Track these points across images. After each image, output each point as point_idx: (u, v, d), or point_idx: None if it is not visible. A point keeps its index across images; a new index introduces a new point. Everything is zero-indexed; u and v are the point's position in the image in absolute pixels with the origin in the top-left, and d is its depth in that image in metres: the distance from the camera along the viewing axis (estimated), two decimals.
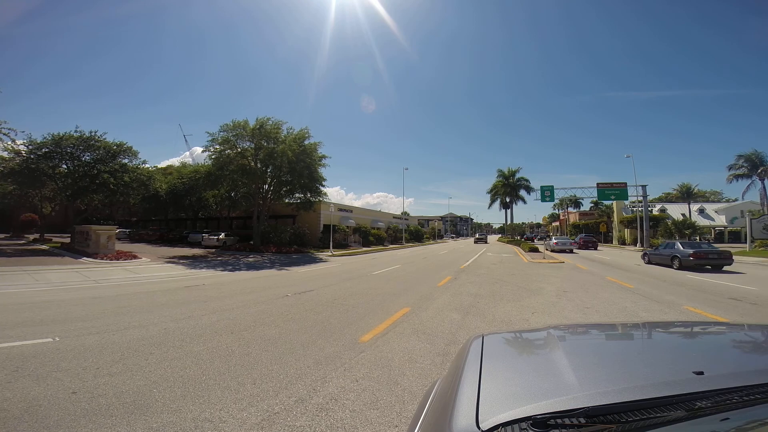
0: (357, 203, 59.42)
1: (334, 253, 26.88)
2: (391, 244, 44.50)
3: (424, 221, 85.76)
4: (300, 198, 28.89)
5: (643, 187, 40.04)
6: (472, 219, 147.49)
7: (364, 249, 33.16)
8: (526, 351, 1.56)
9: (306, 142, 27.21)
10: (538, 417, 0.78)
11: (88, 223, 23.44)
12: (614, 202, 56.92)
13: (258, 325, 6.44)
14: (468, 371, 1.10)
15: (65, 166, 25.08)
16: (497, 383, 1.04)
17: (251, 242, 29.01)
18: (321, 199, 29.90)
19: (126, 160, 26.96)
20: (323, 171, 28.88)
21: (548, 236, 63.80)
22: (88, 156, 25.23)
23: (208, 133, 25.12)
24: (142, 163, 28.24)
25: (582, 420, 0.77)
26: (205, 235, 32.36)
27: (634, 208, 55.73)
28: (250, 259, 21.75)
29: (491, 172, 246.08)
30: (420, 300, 8.76)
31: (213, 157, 25.64)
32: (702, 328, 1.96)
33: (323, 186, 28.98)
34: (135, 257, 20.11)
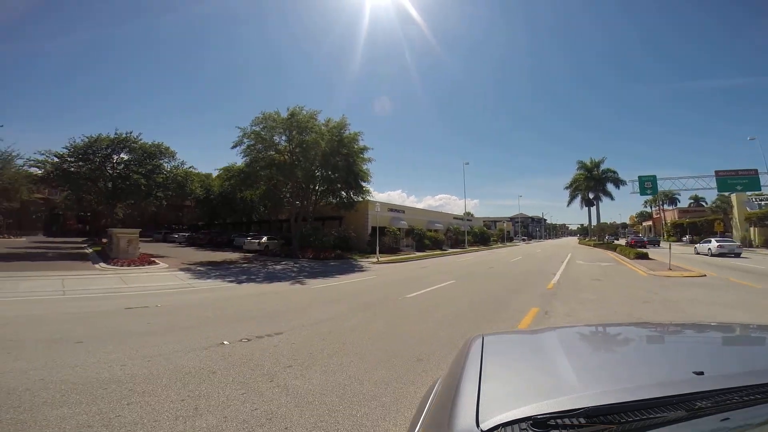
0: (419, 206, 54.60)
1: (380, 259, 22.61)
2: (452, 248, 39.08)
3: (491, 222, 77.79)
4: (342, 197, 25.28)
5: None
6: (545, 219, 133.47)
7: (418, 254, 28.38)
8: (526, 351, 1.44)
9: (345, 133, 23.46)
10: (538, 417, 0.77)
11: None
12: (733, 196, 45.00)
13: None
14: (468, 371, 1.08)
15: (108, 170, 24.29)
16: (497, 383, 1.03)
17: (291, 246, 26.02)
18: (365, 197, 25.95)
19: (165, 162, 25.71)
20: (369, 167, 25.05)
21: (648, 238, 52.69)
22: (124, 157, 24.24)
23: (239, 128, 22.49)
24: (181, 164, 26.84)
25: (582, 420, 0.76)
26: (248, 239, 30.23)
27: (763, 202, 43.74)
28: (278, 267, 18.40)
29: (565, 169, 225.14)
30: None
31: (244, 153, 22.91)
32: (702, 328, 1.85)
33: (366, 182, 25.02)
34: (152, 263, 18.00)
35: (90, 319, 6.86)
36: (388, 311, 7.62)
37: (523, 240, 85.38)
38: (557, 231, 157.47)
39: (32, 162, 23.01)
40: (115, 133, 23.62)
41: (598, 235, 56.40)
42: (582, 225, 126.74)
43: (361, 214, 28.77)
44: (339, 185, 24.48)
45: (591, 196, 54.42)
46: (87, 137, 22.66)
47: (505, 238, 69.27)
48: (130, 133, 23.75)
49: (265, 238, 29.37)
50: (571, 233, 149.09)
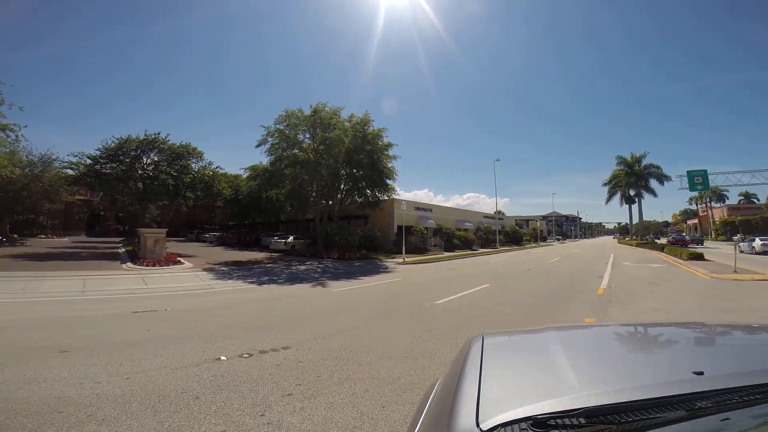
0: (447, 205, 52.52)
1: (407, 259, 21.64)
2: (482, 247, 37.46)
3: (522, 221, 74.54)
4: (367, 195, 24.53)
5: None
6: (580, 218, 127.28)
7: (446, 254, 27.16)
8: (526, 351, 1.46)
9: (368, 129, 22.67)
10: (538, 417, 0.77)
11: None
12: None
13: None
14: (468, 371, 1.08)
15: (138, 171, 24.75)
16: (497, 383, 1.02)
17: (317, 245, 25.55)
18: (390, 195, 25.05)
19: (193, 163, 25.94)
20: (395, 165, 24.21)
21: (691, 237, 48.54)
22: (154, 158, 24.60)
23: (262, 126, 22.19)
24: (208, 165, 27.01)
25: (582, 420, 0.76)
26: (275, 238, 30.09)
27: None
28: (302, 267, 17.84)
29: (600, 166, 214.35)
30: None
31: (268, 152, 22.59)
32: (702, 328, 1.84)
33: (391, 180, 24.12)
34: (178, 262, 17.95)
35: (90, 323, 6.36)
36: (414, 322, 6.64)
37: (557, 239, 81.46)
38: (593, 230, 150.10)
39: (66, 163, 23.71)
40: (144, 135, 24.03)
41: (641, 234, 52.72)
42: (619, 224, 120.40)
43: (387, 212, 27.89)
44: (364, 183, 23.73)
45: (632, 193, 51.00)
46: (117, 138, 23.12)
47: (539, 237, 66.24)
48: (158, 134, 24.06)
49: (291, 238, 29.09)
50: (608, 232, 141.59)
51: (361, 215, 28.78)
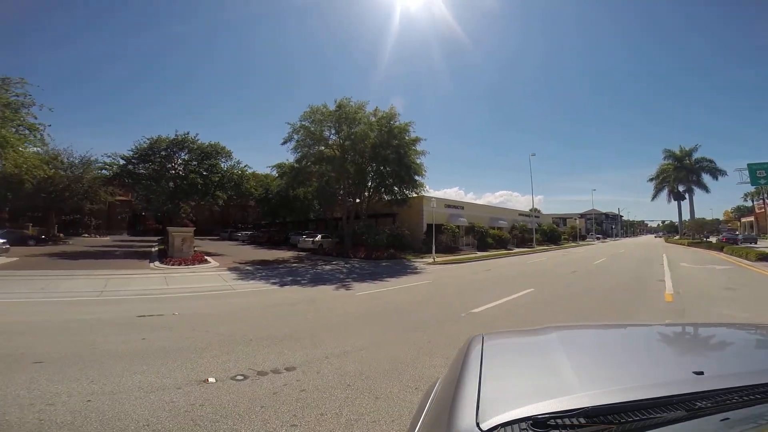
0: (479, 203, 49.88)
1: (437, 259, 20.48)
2: (517, 247, 35.50)
3: (558, 219, 70.77)
4: (395, 192, 23.58)
5: None
6: (621, 216, 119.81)
7: (480, 254, 25.67)
8: (526, 351, 1.44)
9: (394, 124, 21.68)
10: (538, 417, 0.76)
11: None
12: None
13: None
14: (468, 371, 1.07)
15: (170, 171, 25.10)
16: (497, 383, 1.02)
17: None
18: (419, 192, 23.95)
19: (222, 162, 26.02)
20: (423, 161, 23.04)
21: (743, 235, 43.88)
22: (185, 158, 24.85)
23: (288, 124, 21.73)
24: (237, 164, 27.00)
25: (582, 420, 0.76)
26: (303, 237, 29.79)
27: None
28: (327, 267, 17.14)
29: (641, 162, 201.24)
30: None
31: (294, 149, 22.12)
32: (702, 328, 1.82)
33: (420, 176, 23.00)
34: (204, 261, 17.84)
35: (86, 329, 5.78)
36: (448, 336, 5.52)
37: (598, 238, 76.77)
38: (635, 228, 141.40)
39: (101, 164, 24.35)
40: (175, 134, 24.29)
41: (693, 233, 48.45)
42: (664, 221, 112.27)
43: (416, 210, 26.76)
44: (391, 180, 22.72)
45: (681, 188, 46.93)
46: (148, 138, 23.46)
47: (578, 236, 62.60)
48: (187, 133, 24.23)
49: (319, 237, 28.64)
50: (651, 231, 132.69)
51: (389, 213, 27.84)
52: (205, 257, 19.19)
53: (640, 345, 1.50)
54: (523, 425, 0.74)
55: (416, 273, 15.51)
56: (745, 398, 0.80)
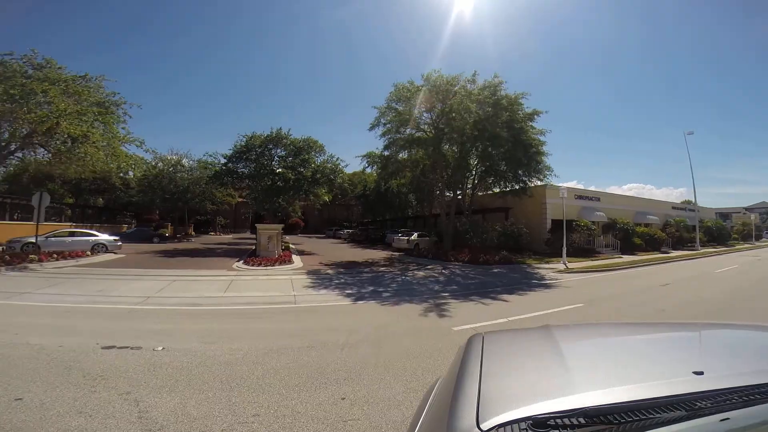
0: (619, 194, 39.56)
1: (569, 265, 15.23)
2: (673, 249, 26.72)
3: (718, 214, 53.81)
4: (509, 179, 18.94)
5: None
6: None
7: (627, 259, 19.03)
8: (526, 351, 1.43)
9: (502, 94, 17.07)
10: (538, 417, 0.76)
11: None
12: None
13: None
14: (468, 371, 1.07)
15: (266, 167, 24.92)
16: (497, 383, 1.01)
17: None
18: (542, 179, 18.76)
19: (315, 157, 24.89)
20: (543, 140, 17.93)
21: None
22: (280, 153, 24.36)
23: (374, 108, 18.94)
24: (330, 158, 25.58)
25: (582, 420, 0.76)
26: (398, 236, 27.02)
27: None
28: (420, 274, 13.78)
29: None
30: None
31: (382, 134, 19.25)
32: (702, 328, 1.80)
33: (542, 160, 17.91)
34: (287, 262, 16.35)
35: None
36: None
37: None
38: None
39: (203, 164, 25.24)
40: (270, 131, 23.88)
41: None
42: None
43: (537, 203, 21.41)
44: (504, 164, 18.07)
45: None
46: (244, 136, 23.38)
47: (753, 235, 46.55)
48: (279, 129, 23.55)
49: (415, 235, 25.41)
50: None
51: (500, 207, 23.09)
52: (292, 257, 17.69)
53: (639, 345, 1.48)
54: (523, 425, 0.74)
55: (546, 287, 10.94)
56: (745, 398, 0.81)
